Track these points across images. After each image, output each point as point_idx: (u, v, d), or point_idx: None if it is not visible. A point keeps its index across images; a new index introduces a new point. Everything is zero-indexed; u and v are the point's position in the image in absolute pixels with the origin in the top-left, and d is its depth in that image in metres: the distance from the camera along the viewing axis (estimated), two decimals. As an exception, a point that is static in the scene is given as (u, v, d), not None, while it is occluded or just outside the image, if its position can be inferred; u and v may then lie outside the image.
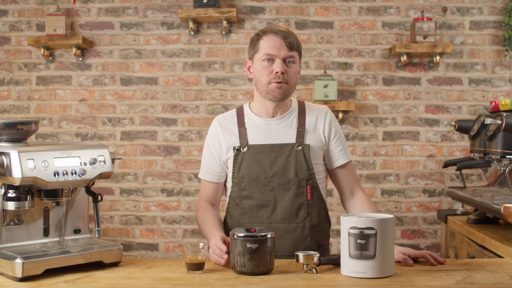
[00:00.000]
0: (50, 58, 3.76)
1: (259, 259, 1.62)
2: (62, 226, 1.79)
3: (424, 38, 3.56)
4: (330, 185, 2.19)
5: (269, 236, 1.64)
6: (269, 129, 2.02)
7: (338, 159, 2.05)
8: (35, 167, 1.59)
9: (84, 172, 1.68)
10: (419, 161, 3.73)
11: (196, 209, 2.10)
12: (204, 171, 2.10)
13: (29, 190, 1.65)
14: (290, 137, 2.00)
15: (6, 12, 3.80)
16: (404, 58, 3.61)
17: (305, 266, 1.65)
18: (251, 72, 2.03)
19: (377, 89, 3.74)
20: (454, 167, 3.11)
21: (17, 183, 1.59)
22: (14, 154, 1.58)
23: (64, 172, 1.65)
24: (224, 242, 1.76)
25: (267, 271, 1.64)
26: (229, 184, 2.07)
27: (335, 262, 1.70)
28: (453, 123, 3.11)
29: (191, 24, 3.66)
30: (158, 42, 3.76)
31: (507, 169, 2.47)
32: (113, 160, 1.78)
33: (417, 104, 3.73)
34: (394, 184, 3.73)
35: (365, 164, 3.72)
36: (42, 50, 3.67)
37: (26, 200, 1.64)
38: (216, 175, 2.07)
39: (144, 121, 3.76)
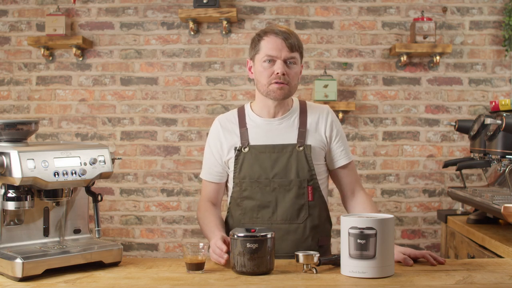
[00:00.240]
0: (50, 58, 3.76)
1: (259, 259, 1.62)
2: (62, 226, 1.79)
3: (424, 38, 3.56)
4: (331, 185, 2.19)
5: (269, 236, 1.64)
6: (271, 130, 2.01)
7: (340, 160, 2.05)
8: (35, 167, 1.59)
9: (84, 172, 1.68)
10: (419, 161, 3.73)
11: (198, 209, 2.10)
12: (206, 171, 2.09)
13: (29, 190, 1.65)
14: (291, 138, 2.00)
15: (6, 12, 3.80)
16: (404, 58, 3.61)
17: (305, 266, 1.65)
18: (252, 72, 2.03)
19: (377, 89, 3.74)
20: (454, 167, 3.11)
21: (17, 183, 1.59)
22: (14, 154, 1.58)
23: (64, 172, 1.65)
24: (224, 241, 1.76)
25: (267, 271, 1.64)
26: (230, 185, 2.06)
27: (335, 262, 1.70)
28: (453, 123, 3.11)
29: (191, 24, 3.66)
30: (158, 42, 3.76)
31: (507, 169, 2.47)
32: (113, 160, 1.78)
33: (417, 104, 3.73)
34: (394, 184, 3.73)
35: (365, 164, 3.72)
36: (42, 50, 3.67)
37: (26, 200, 1.64)
38: (218, 175, 2.07)
39: (144, 121, 3.76)
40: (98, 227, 1.76)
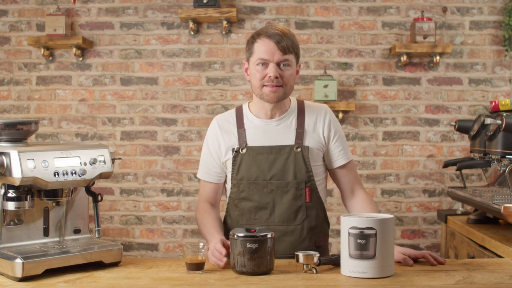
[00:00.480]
0: (50, 58, 3.76)
1: (259, 259, 1.62)
2: (62, 226, 1.79)
3: (424, 38, 3.56)
4: (331, 185, 2.19)
5: (269, 236, 1.64)
6: (268, 131, 2.01)
7: (338, 160, 2.05)
8: (35, 167, 1.59)
9: (84, 172, 1.68)
10: (419, 161, 3.73)
11: (196, 210, 2.10)
12: (204, 172, 2.09)
13: (29, 190, 1.65)
14: (289, 139, 1.99)
15: (6, 12, 3.80)
16: (404, 58, 3.61)
17: (305, 266, 1.65)
18: (248, 74, 2.03)
19: (377, 89, 3.74)
20: (454, 167, 3.11)
21: (17, 183, 1.59)
22: (14, 154, 1.58)
23: (64, 172, 1.65)
24: (224, 245, 1.76)
25: (267, 271, 1.64)
26: (228, 185, 2.06)
27: (335, 262, 1.70)
28: (453, 123, 3.11)
29: (191, 24, 3.66)
30: (158, 42, 3.76)
31: (507, 169, 2.47)
32: (113, 160, 1.78)
33: (417, 104, 3.73)
34: (394, 184, 3.73)
35: (365, 164, 3.72)
36: (42, 50, 3.67)
37: (26, 200, 1.64)
38: (216, 175, 2.07)
39: (144, 121, 3.76)
40: (98, 227, 1.76)
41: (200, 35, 3.75)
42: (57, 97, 3.78)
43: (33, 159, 1.60)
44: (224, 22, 3.64)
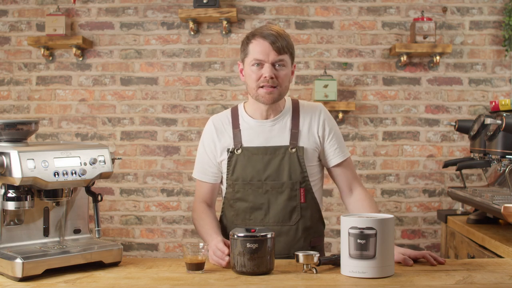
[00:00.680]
0: (50, 58, 3.76)
1: (259, 259, 1.62)
2: (62, 226, 1.79)
3: (424, 38, 3.56)
4: (331, 185, 2.19)
5: (269, 236, 1.64)
6: (263, 131, 2.01)
7: (334, 158, 2.04)
8: (35, 167, 1.59)
9: (84, 172, 1.68)
10: (419, 161, 3.73)
11: (193, 211, 2.10)
12: (200, 172, 2.09)
13: (29, 190, 1.65)
14: (284, 139, 2.00)
15: (6, 12, 3.80)
16: (404, 58, 3.61)
17: (305, 266, 1.65)
18: (243, 75, 2.02)
19: (377, 89, 3.74)
20: (454, 167, 3.11)
21: (17, 183, 1.59)
22: (14, 154, 1.58)
23: (64, 172, 1.65)
24: (225, 244, 1.77)
25: (267, 271, 1.64)
26: (223, 186, 2.07)
27: (335, 262, 1.70)
28: (453, 123, 3.11)
29: (191, 24, 3.66)
30: (158, 42, 3.76)
31: (507, 169, 2.47)
32: (113, 160, 1.78)
33: (417, 104, 3.73)
34: (394, 184, 3.73)
35: (365, 164, 3.72)
36: (42, 50, 3.67)
37: (26, 200, 1.64)
38: (212, 175, 2.07)
39: (144, 121, 3.76)
40: (98, 227, 1.76)
41: (200, 35, 3.75)
42: (57, 97, 3.78)
43: (33, 159, 1.60)
44: (224, 22, 3.64)
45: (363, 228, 1.57)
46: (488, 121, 2.52)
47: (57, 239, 1.77)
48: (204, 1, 3.57)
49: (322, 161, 2.06)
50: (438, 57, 3.60)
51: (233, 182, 2.00)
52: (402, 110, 3.73)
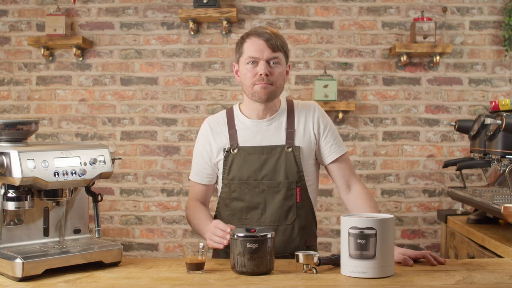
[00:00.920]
0: (50, 58, 3.76)
1: (259, 259, 1.62)
2: (62, 226, 1.79)
3: (424, 38, 3.56)
4: (331, 185, 2.19)
5: (269, 236, 1.64)
6: (259, 131, 2.01)
7: (330, 155, 2.04)
8: (35, 167, 1.59)
9: (84, 172, 1.68)
10: (419, 161, 3.73)
11: (186, 208, 2.10)
12: (195, 173, 2.09)
13: (29, 190, 1.65)
14: (280, 139, 2.00)
15: (6, 12, 3.80)
16: (404, 58, 3.61)
17: (305, 266, 1.65)
18: (238, 76, 2.03)
19: (377, 89, 3.74)
20: (454, 167, 3.11)
21: (17, 183, 1.59)
22: (14, 154, 1.58)
23: (64, 172, 1.65)
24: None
25: (267, 271, 1.64)
26: (219, 186, 2.07)
27: (335, 262, 1.70)
28: (453, 123, 3.11)
29: (191, 24, 3.66)
30: (158, 42, 3.76)
31: (507, 169, 2.47)
32: (113, 160, 1.78)
33: (417, 104, 3.73)
34: (394, 184, 3.73)
35: (365, 164, 3.72)
36: (42, 50, 3.67)
37: (26, 200, 1.64)
38: (207, 177, 2.07)
39: (144, 121, 3.76)
40: (98, 227, 1.76)
41: (200, 35, 3.75)
42: (57, 97, 3.78)
43: (33, 159, 1.60)
44: (224, 22, 3.64)
45: (363, 228, 1.57)
46: (488, 121, 2.52)
47: (57, 239, 1.77)
48: (204, 1, 3.57)
49: (318, 159, 2.06)
50: (438, 57, 3.60)
51: (229, 181, 2.00)
52: (402, 110, 3.73)
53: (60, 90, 3.78)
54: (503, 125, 2.39)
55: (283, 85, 2.01)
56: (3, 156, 1.59)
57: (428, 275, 1.62)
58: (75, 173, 1.67)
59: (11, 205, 1.63)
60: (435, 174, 3.72)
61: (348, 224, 1.60)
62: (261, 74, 1.92)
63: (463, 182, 3.08)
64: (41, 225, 1.75)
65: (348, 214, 1.72)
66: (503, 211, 2.21)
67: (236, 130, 2.02)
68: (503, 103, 2.74)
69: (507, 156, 2.49)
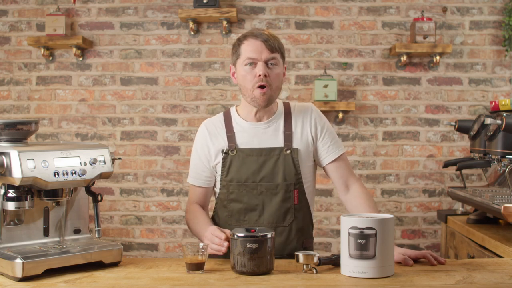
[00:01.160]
0: (50, 58, 3.76)
1: (259, 259, 1.62)
2: (62, 226, 1.79)
3: (424, 38, 3.56)
4: (331, 185, 2.18)
5: (269, 236, 1.64)
6: (257, 134, 2.01)
7: (327, 157, 2.04)
8: (35, 167, 1.59)
9: (84, 172, 1.68)
10: (419, 161, 3.73)
11: (186, 212, 2.10)
12: (193, 177, 2.09)
13: (29, 190, 1.65)
14: (278, 141, 2.00)
15: (6, 12, 3.80)
16: (404, 58, 3.61)
17: (305, 266, 1.65)
18: (235, 78, 2.03)
19: (377, 89, 3.74)
20: (454, 167, 3.11)
21: (17, 183, 1.59)
22: (14, 154, 1.58)
23: (64, 172, 1.65)
24: (220, 231, 1.78)
25: (267, 271, 1.64)
26: (217, 188, 2.07)
27: (335, 262, 1.70)
28: (453, 123, 3.11)
29: (191, 24, 3.66)
30: (158, 42, 3.76)
31: (507, 169, 2.47)
32: (113, 160, 1.78)
33: (417, 104, 3.73)
34: (394, 184, 3.73)
35: (365, 164, 3.72)
36: (42, 50, 3.67)
37: (26, 200, 1.64)
38: (206, 180, 2.07)
39: (144, 121, 3.76)
40: (98, 227, 1.76)
41: (200, 35, 3.75)
42: (57, 97, 3.78)
43: (33, 159, 1.60)
44: (224, 22, 3.64)
45: (363, 228, 1.57)
46: (488, 121, 2.52)
47: (57, 239, 1.77)
48: (204, 1, 3.57)
49: (316, 160, 2.06)
50: (438, 57, 3.60)
51: (227, 183, 2.00)
52: (402, 110, 3.73)
53: (60, 90, 3.78)
54: (503, 125, 2.39)
55: (280, 87, 2.01)
56: (3, 156, 1.59)
57: (428, 275, 1.62)
58: (75, 173, 1.67)
59: (11, 205, 1.63)
60: (435, 174, 3.72)
61: (348, 224, 1.60)
62: (259, 75, 1.92)
63: (463, 182, 3.08)
64: (41, 225, 1.75)
65: (348, 214, 1.72)
66: (503, 211, 2.21)
67: (234, 133, 2.02)
68: (503, 103, 2.74)
69: (507, 156, 2.49)
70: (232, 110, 2.09)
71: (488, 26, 3.73)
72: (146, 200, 3.76)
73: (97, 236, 1.77)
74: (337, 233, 3.67)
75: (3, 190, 1.63)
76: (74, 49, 3.68)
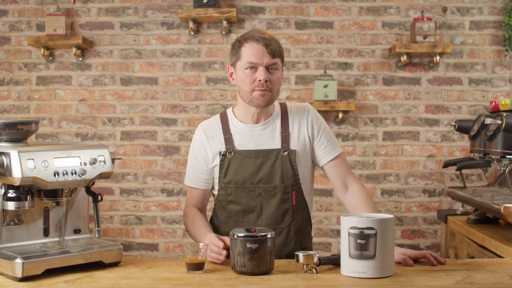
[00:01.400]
0: (50, 58, 3.76)
1: (259, 259, 1.62)
2: (62, 226, 1.79)
3: (424, 38, 3.56)
4: (331, 185, 2.18)
5: (269, 236, 1.64)
6: (254, 135, 2.01)
7: (324, 157, 2.04)
8: (35, 167, 1.59)
9: (84, 172, 1.68)
10: (419, 161, 3.73)
11: (184, 215, 2.10)
12: (191, 179, 2.08)
13: (29, 190, 1.65)
14: (275, 143, 2.00)
15: (6, 12, 3.80)
16: (404, 58, 3.61)
17: (305, 266, 1.65)
18: (233, 79, 2.02)
19: (377, 89, 3.74)
20: (454, 167, 3.11)
21: (17, 183, 1.59)
22: (14, 154, 1.58)
23: (64, 172, 1.65)
24: (219, 239, 1.78)
25: (267, 271, 1.64)
26: (215, 188, 2.06)
27: (335, 262, 1.70)
28: (453, 123, 3.11)
29: (191, 24, 3.66)
30: (158, 42, 3.76)
31: (507, 169, 2.47)
32: (113, 160, 1.78)
33: (417, 104, 3.73)
34: (394, 184, 3.73)
35: (365, 164, 3.72)
36: (42, 50, 3.67)
37: (26, 200, 1.64)
38: (204, 182, 2.07)
39: (144, 121, 3.76)
40: (98, 227, 1.76)
41: (200, 35, 3.75)
42: (57, 97, 3.78)
43: (33, 159, 1.60)
44: (224, 22, 3.64)
45: (363, 228, 1.57)
46: (488, 121, 2.52)
47: (57, 239, 1.77)
48: (204, 1, 3.57)
49: (313, 161, 2.06)
50: (438, 57, 3.60)
51: (225, 185, 2.00)
52: (402, 110, 3.73)
53: (60, 90, 3.78)
54: (503, 125, 2.39)
55: (279, 90, 2.01)
56: (3, 156, 1.59)
57: (428, 275, 1.62)
58: (75, 173, 1.67)
59: (11, 205, 1.63)
60: (435, 174, 3.72)
61: (348, 224, 1.60)
62: (260, 80, 1.92)
63: (463, 182, 3.08)
64: (41, 225, 1.75)
65: (348, 214, 1.72)
66: (503, 211, 2.21)
67: (231, 135, 2.02)
68: (503, 103, 2.74)
69: (507, 156, 2.49)
70: (229, 112, 2.08)
71: (488, 26, 3.73)
72: (146, 200, 3.76)
73: (97, 236, 1.77)
74: (337, 233, 3.67)
75: (3, 190, 1.63)
76: (74, 49, 3.68)
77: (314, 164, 2.08)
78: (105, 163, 1.74)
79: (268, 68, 1.93)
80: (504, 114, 2.42)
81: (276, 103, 2.08)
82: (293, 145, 2.00)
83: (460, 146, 3.72)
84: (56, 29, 3.63)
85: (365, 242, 1.57)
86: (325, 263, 1.69)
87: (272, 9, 3.74)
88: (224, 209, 2.02)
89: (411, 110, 3.73)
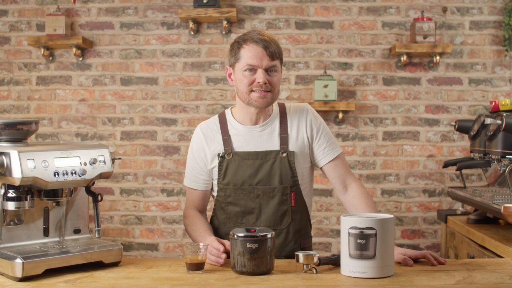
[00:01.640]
0: (50, 58, 3.76)
1: (259, 259, 1.62)
2: (62, 226, 1.79)
3: (424, 38, 3.56)
4: (331, 185, 2.18)
5: (269, 236, 1.64)
6: (252, 137, 2.01)
7: (323, 158, 2.04)
8: (35, 167, 1.59)
9: (84, 172, 1.68)
10: (419, 161, 3.73)
11: (184, 217, 2.10)
12: (191, 180, 2.08)
13: (29, 190, 1.65)
14: (274, 144, 2.00)
15: (6, 12, 3.80)
16: (404, 58, 3.61)
17: (305, 266, 1.65)
18: (232, 80, 2.01)
19: (377, 89, 3.74)
20: (454, 167, 3.12)
21: (17, 183, 1.59)
22: (14, 154, 1.58)
23: (64, 172, 1.65)
24: (219, 242, 1.78)
25: (267, 271, 1.64)
26: (214, 191, 2.06)
27: (335, 262, 1.70)
28: (453, 123, 3.11)
29: (191, 24, 3.66)
30: (158, 42, 3.76)
31: (507, 169, 2.47)
32: (113, 160, 1.78)
33: (417, 104, 3.73)
34: (394, 184, 3.73)
35: (365, 164, 3.72)
36: (42, 50, 3.67)
37: (26, 200, 1.64)
38: (204, 183, 2.06)
39: (144, 121, 3.76)
40: (98, 227, 1.76)
41: (200, 35, 3.75)
42: (57, 97, 3.78)
43: (33, 159, 1.60)
44: (224, 22, 3.64)
45: (363, 228, 1.57)
46: (488, 121, 2.52)
47: (57, 239, 1.77)
48: (204, 1, 3.57)
49: (312, 162, 2.06)
50: (438, 57, 3.60)
51: (224, 186, 2.00)
52: (402, 110, 3.73)
53: (60, 90, 3.78)
54: (503, 125, 2.39)
55: (279, 91, 2.01)
56: (3, 156, 1.59)
57: (428, 275, 1.62)
58: (75, 173, 1.67)
59: (11, 205, 1.63)
60: (435, 174, 3.72)
61: (348, 224, 1.60)
62: (259, 82, 1.91)
63: (463, 182, 3.08)
64: (41, 225, 1.75)
65: (348, 214, 1.72)
66: (503, 211, 2.21)
67: (230, 136, 2.01)
68: (503, 103, 2.74)
69: (507, 156, 2.50)
70: (227, 112, 2.07)
71: (488, 26, 3.73)
72: (146, 200, 3.76)
73: (97, 236, 1.77)
74: (337, 233, 3.67)
75: (3, 190, 1.63)
76: (74, 49, 3.68)
77: (314, 164, 2.08)
78: (105, 163, 1.74)
79: (267, 70, 1.93)
80: (504, 114, 2.42)
81: (275, 104, 2.07)
82: (292, 147, 2.00)
83: (460, 146, 3.72)
84: (56, 29, 3.63)
85: (365, 242, 1.57)
86: (325, 263, 1.69)
87: (272, 9, 3.74)
88: (224, 210, 2.02)
89: (411, 110, 3.73)
